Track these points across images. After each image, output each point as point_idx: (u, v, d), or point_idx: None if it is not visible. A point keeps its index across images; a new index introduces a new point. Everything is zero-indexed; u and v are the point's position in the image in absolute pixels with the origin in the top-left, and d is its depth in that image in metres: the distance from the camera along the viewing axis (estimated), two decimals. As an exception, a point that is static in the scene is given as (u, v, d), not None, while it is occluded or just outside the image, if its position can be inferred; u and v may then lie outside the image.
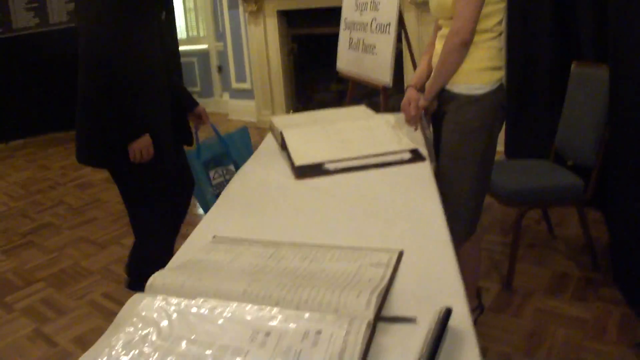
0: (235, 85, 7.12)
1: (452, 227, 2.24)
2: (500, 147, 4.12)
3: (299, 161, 1.96)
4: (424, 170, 1.88)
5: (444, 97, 2.24)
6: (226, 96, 7.29)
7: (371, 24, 3.20)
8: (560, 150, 3.22)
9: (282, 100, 6.50)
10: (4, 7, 6.60)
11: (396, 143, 2.06)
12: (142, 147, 2.37)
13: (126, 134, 2.34)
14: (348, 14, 3.58)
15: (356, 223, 1.50)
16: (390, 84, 3.05)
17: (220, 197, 1.83)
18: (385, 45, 3.03)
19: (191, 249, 1.39)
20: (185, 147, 2.80)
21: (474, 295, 2.57)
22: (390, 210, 1.56)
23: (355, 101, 3.99)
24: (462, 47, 2.08)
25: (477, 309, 2.59)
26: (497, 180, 2.95)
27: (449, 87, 2.21)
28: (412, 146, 2.02)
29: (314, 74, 6.24)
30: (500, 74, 2.21)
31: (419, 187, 1.73)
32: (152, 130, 2.42)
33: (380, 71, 3.09)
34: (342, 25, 3.67)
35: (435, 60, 2.29)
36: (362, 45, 3.33)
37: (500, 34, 2.19)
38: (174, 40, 6.71)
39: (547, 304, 2.83)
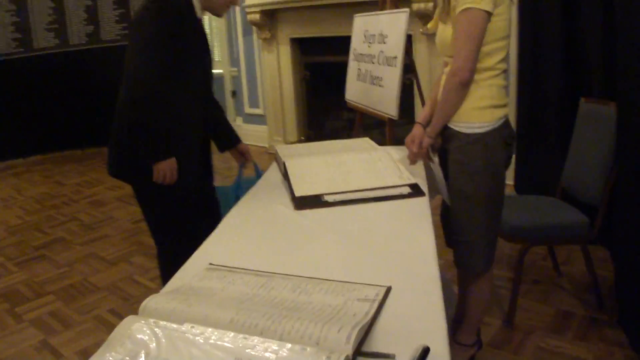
0: (248, 110, 7.20)
1: (466, 263, 2.29)
2: (510, 181, 4.15)
3: (298, 192, 2.00)
4: (422, 205, 1.91)
5: (446, 134, 2.23)
6: (239, 120, 7.36)
7: (378, 56, 3.25)
8: (567, 187, 3.22)
9: (294, 127, 6.55)
10: (26, 27, 6.79)
11: (397, 177, 2.10)
12: (166, 169, 2.41)
13: (154, 154, 2.38)
14: (357, 45, 3.64)
15: (350, 256, 1.54)
16: (396, 116, 3.08)
17: (220, 224, 1.87)
18: (392, 77, 3.07)
19: (187, 274, 1.44)
20: (224, 183, 2.84)
21: (476, 331, 2.56)
22: (384, 245, 1.60)
23: (364, 131, 4.04)
24: (461, 86, 2.08)
25: (476, 344, 2.59)
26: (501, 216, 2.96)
27: (451, 125, 2.20)
28: (412, 181, 2.05)
29: (326, 102, 6.29)
30: (504, 112, 2.19)
31: (415, 222, 1.77)
32: (180, 155, 2.45)
33: (386, 103, 3.13)
34: (351, 57, 3.73)
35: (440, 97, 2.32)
36: (369, 77, 3.38)
37: (503, 72, 2.17)
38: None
39: (549, 342, 2.80)
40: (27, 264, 4.03)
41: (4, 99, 6.84)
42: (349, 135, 3.96)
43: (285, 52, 6.37)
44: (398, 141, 2.54)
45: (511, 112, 4.06)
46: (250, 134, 7.03)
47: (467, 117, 2.14)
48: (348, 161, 2.26)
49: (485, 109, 2.13)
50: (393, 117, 3.12)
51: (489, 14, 2.01)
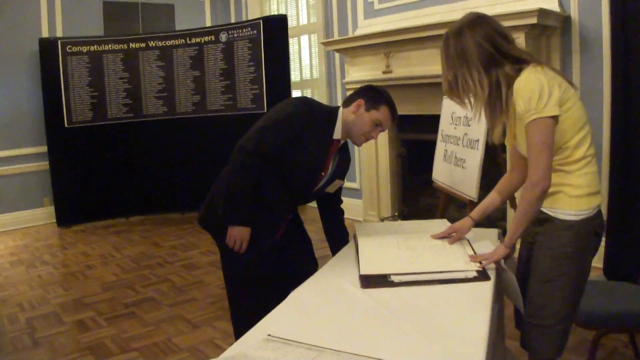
0: (345, 184, 7.28)
1: (535, 347, 2.26)
2: (599, 264, 4.02)
3: (365, 270, 2.06)
4: (485, 290, 1.93)
5: (539, 218, 2.22)
6: (336, 193, 7.41)
7: (463, 138, 3.32)
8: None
9: (389, 202, 6.59)
10: (137, 94, 7.32)
11: (464, 262, 2.12)
12: (237, 236, 2.60)
13: (231, 216, 2.60)
14: (444, 126, 3.72)
15: (402, 337, 1.58)
16: (476, 198, 3.12)
17: (289, 297, 1.95)
18: (474, 160, 3.12)
19: (245, 343, 1.52)
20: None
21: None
22: (439, 328, 1.63)
23: (457, 209, 4.05)
24: (543, 195, 2.08)
25: None
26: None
27: (546, 209, 2.20)
28: (478, 267, 2.07)
29: (421, 179, 6.29)
30: (598, 200, 2.19)
31: (475, 306, 1.79)
32: (255, 229, 2.64)
33: (467, 185, 3.18)
34: (439, 137, 3.81)
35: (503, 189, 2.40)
36: (454, 158, 3.44)
37: (593, 157, 2.17)
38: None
39: None
40: (116, 320, 4.22)
41: (111, 161, 7.31)
42: (441, 214, 3.99)
43: (383, 128, 6.46)
44: (480, 223, 2.56)
45: (603, 196, 3.98)
46: (346, 207, 7.02)
47: (564, 204, 2.15)
48: (419, 243, 2.30)
49: (582, 197, 2.13)
50: (473, 199, 3.15)
51: (556, 117, 2.03)
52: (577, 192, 2.13)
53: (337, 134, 2.68)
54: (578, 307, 2.30)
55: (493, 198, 2.46)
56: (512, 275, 2.19)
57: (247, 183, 2.55)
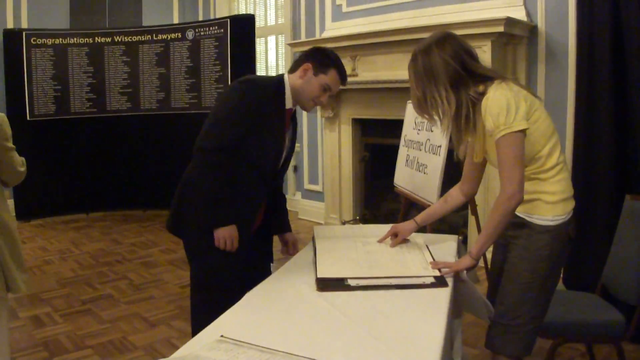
0: (307, 186, 7.32)
1: (500, 346, 2.29)
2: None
3: (322, 273, 2.06)
4: (442, 297, 1.94)
5: (515, 222, 2.27)
6: (298, 195, 7.45)
7: (425, 143, 3.34)
8: (606, 284, 3.16)
9: (351, 206, 6.61)
10: (101, 89, 7.24)
11: (422, 268, 2.14)
12: (227, 235, 2.47)
13: (214, 219, 2.47)
14: (407, 131, 3.75)
15: (356, 341, 1.59)
16: (437, 205, 3.14)
17: (244, 297, 1.94)
18: (435, 166, 3.14)
19: (198, 344, 1.50)
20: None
21: None
22: (394, 333, 1.64)
23: (412, 216, 4.07)
24: (516, 207, 2.13)
25: None
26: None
27: (523, 215, 2.26)
28: (436, 273, 2.09)
29: (384, 183, 6.32)
30: (572, 205, 2.27)
31: (431, 312, 1.80)
32: (238, 224, 2.53)
33: (428, 190, 3.20)
34: (402, 142, 3.83)
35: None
36: (416, 164, 3.46)
37: (564, 163, 2.25)
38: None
39: None
40: (72, 317, 4.16)
41: (73, 155, 7.21)
42: (401, 219, 4.01)
43: (346, 132, 6.51)
44: (437, 230, 2.59)
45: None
46: (307, 210, 7.14)
47: (541, 211, 2.22)
48: (377, 248, 2.31)
49: (558, 203, 2.21)
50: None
51: (525, 130, 2.09)
52: (553, 198, 2.21)
53: (289, 103, 2.61)
54: (547, 309, 2.35)
55: (439, 206, 2.55)
56: (472, 285, 2.21)
57: (221, 182, 2.45)
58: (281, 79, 2.62)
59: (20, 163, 2.89)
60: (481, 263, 4.08)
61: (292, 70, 2.63)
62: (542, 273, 2.22)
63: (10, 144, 2.78)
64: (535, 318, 2.27)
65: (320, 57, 2.58)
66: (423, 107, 2.24)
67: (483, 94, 2.13)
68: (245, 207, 2.60)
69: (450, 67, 2.13)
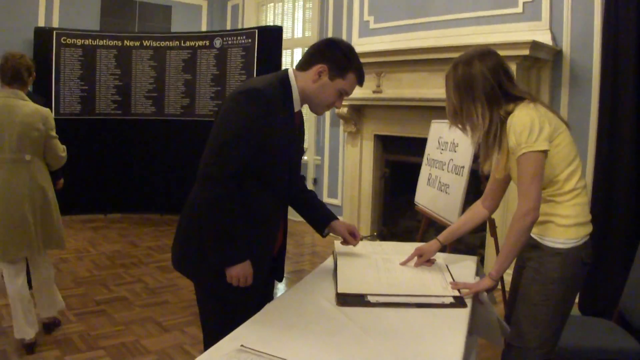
0: (326, 199, 7.32)
1: None
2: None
3: (342, 289, 2.06)
4: (461, 317, 1.94)
5: (530, 244, 2.28)
6: (317, 209, 7.41)
7: (448, 163, 3.34)
8: (623, 310, 3.14)
9: (369, 222, 6.61)
10: (127, 93, 7.33)
11: (442, 288, 2.13)
12: (240, 274, 2.16)
13: (226, 258, 2.16)
14: (430, 151, 3.74)
15: (375, 358, 1.58)
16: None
17: (264, 308, 1.95)
18: (458, 186, 3.14)
19: (217, 353, 1.51)
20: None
21: None
22: (412, 351, 1.64)
23: (436, 233, 4.06)
24: (532, 225, 2.14)
25: None
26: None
27: (535, 236, 2.27)
28: (455, 293, 2.08)
29: (403, 200, 6.32)
30: (588, 230, 2.26)
31: (450, 332, 1.80)
32: (252, 257, 2.21)
33: (450, 211, 3.20)
34: (424, 161, 3.83)
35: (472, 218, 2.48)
36: (438, 183, 3.46)
37: (583, 189, 2.25)
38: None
39: None
40: (86, 317, 4.19)
41: (95, 156, 7.27)
42: (421, 237, 4.00)
43: (368, 147, 6.52)
44: (458, 250, 2.58)
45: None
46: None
47: (553, 233, 2.23)
48: (397, 265, 2.31)
49: (570, 227, 2.21)
50: (454, 226, 3.16)
51: (546, 151, 2.11)
52: (566, 221, 2.21)
53: (297, 105, 2.28)
54: (561, 332, 2.34)
55: (462, 223, 2.55)
56: (490, 306, 2.20)
57: (231, 214, 2.12)
58: (285, 77, 2.26)
59: (62, 149, 3.71)
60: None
61: (302, 67, 2.29)
62: (553, 296, 2.21)
63: (54, 133, 3.58)
64: (547, 341, 2.26)
65: (337, 59, 2.23)
66: (458, 117, 2.27)
67: (511, 112, 2.16)
68: (262, 235, 2.30)
69: (488, 83, 2.16)
